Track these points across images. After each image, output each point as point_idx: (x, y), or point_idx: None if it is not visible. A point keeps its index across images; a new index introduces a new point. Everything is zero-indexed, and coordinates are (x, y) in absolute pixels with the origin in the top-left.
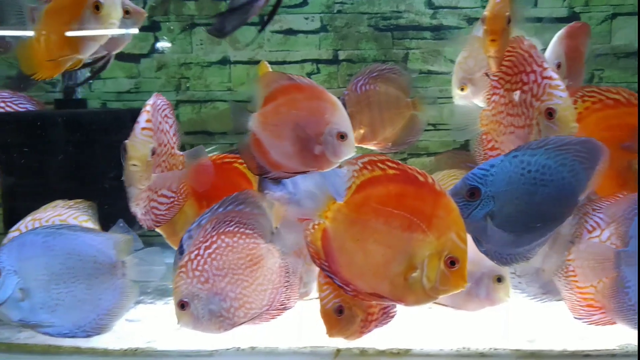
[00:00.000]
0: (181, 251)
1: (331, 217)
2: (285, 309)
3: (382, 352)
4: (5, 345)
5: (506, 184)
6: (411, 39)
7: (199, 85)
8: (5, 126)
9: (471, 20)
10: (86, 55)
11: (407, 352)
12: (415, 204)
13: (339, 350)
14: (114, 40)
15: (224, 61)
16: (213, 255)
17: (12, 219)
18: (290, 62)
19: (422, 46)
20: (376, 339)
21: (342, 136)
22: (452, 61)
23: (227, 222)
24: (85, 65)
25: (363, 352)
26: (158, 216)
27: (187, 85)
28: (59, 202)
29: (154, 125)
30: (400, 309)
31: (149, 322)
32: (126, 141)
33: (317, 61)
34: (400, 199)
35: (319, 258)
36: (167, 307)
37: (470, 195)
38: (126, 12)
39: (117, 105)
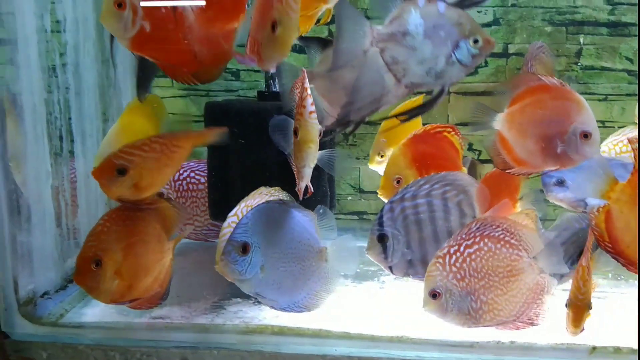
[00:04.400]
0: (380, 222)
1: (615, 197)
2: (532, 324)
3: (634, 351)
4: (278, 328)
5: None
6: (586, 34)
7: None
8: (213, 115)
9: None
10: (332, 4)
11: None
12: None
13: (594, 348)
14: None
15: None
16: (473, 256)
17: (219, 208)
18: None
19: (597, 42)
20: (629, 338)
21: (586, 135)
22: (628, 58)
23: (494, 227)
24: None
25: (617, 350)
26: None
27: None
28: (263, 189)
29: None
30: None
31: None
32: (297, 125)
33: None
34: None
35: (603, 240)
36: (363, 291)
37: None
38: (475, 41)
39: None
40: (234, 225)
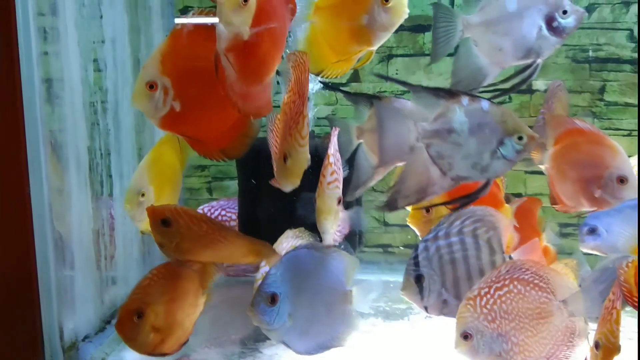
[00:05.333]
0: (415, 262)
1: None
2: None
3: None
4: None
5: None
6: (609, 71)
7: None
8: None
9: None
10: (376, 47)
11: None
12: None
13: None
14: None
15: None
16: (503, 298)
17: None
18: (484, 92)
19: (620, 79)
20: None
21: (622, 180)
22: None
23: (523, 270)
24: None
25: None
26: None
27: None
28: (289, 232)
29: (337, 169)
30: None
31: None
32: (316, 196)
33: None
34: None
35: (631, 296)
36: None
37: None
38: (519, 138)
39: (316, 131)
40: None
